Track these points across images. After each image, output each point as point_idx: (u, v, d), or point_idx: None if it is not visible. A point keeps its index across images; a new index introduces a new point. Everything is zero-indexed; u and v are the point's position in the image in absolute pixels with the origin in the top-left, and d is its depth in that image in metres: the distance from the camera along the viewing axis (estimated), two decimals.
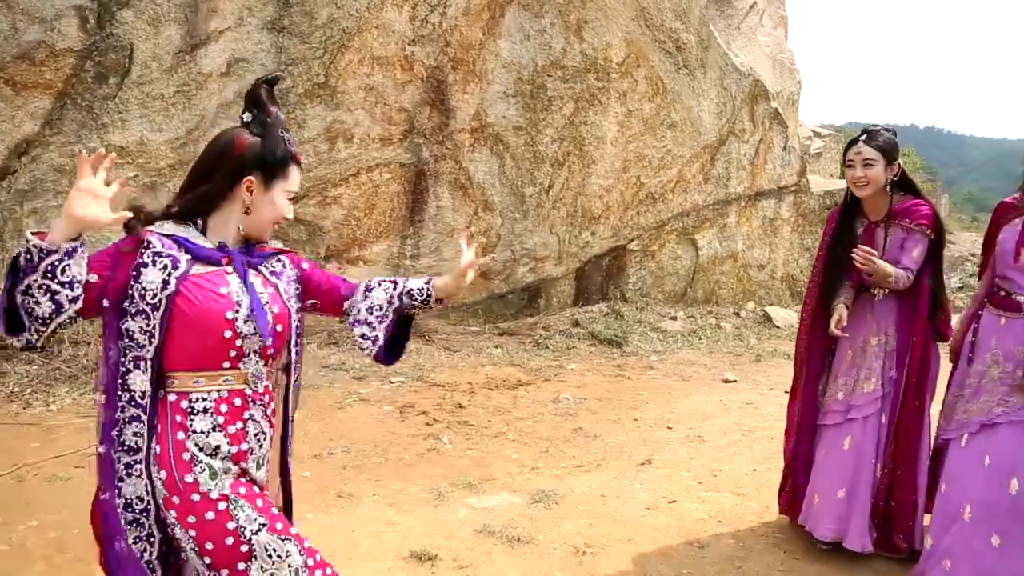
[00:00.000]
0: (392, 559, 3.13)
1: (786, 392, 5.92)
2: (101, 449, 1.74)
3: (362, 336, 2.00)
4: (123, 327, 1.69)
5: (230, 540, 1.69)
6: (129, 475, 1.72)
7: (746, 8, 9.23)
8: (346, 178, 6.52)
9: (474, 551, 3.22)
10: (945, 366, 3.27)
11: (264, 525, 1.72)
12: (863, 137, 3.06)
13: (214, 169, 1.77)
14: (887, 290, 3.16)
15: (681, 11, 7.92)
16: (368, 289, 2.05)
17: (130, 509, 1.72)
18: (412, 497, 3.75)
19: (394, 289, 2.04)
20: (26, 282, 1.53)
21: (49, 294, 1.55)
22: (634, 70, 7.77)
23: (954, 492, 2.88)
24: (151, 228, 1.74)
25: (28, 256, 1.53)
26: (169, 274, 1.69)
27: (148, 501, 1.72)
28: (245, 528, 1.70)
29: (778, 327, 8.28)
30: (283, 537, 1.72)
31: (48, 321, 1.57)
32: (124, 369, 1.70)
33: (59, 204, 5.57)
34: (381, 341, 2.01)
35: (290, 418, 2.00)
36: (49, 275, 1.54)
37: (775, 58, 9.63)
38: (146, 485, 1.71)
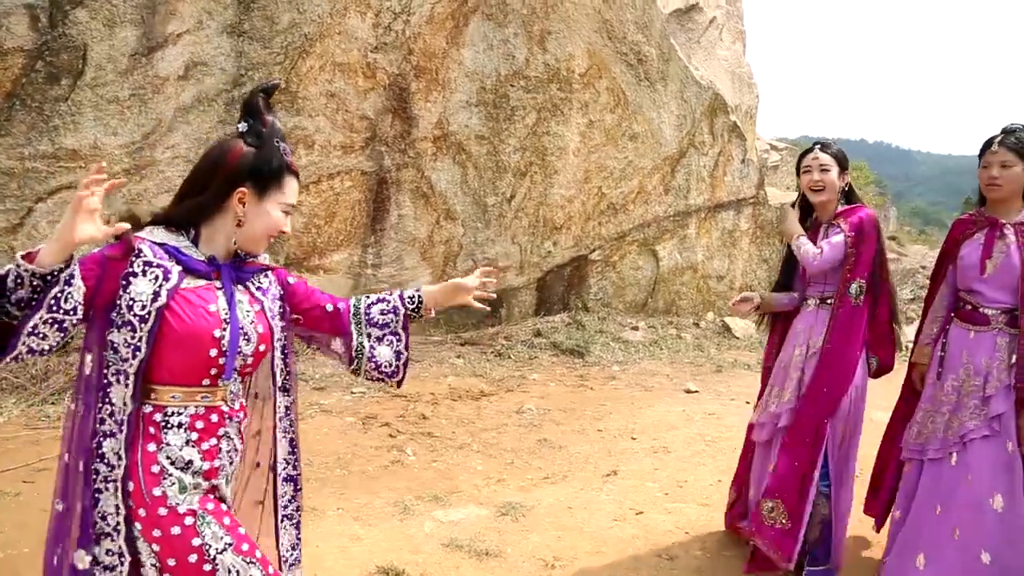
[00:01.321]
0: (359, 574, 3.06)
1: (747, 403, 6.01)
2: (69, 460, 1.66)
3: (387, 362, 2.00)
4: (108, 338, 1.63)
5: (194, 557, 1.63)
6: (105, 489, 1.64)
7: (706, 23, 9.37)
8: (306, 185, 6.42)
9: (442, 566, 3.18)
10: (895, 382, 3.30)
11: (230, 545, 1.67)
12: (818, 146, 3.17)
13: (208, 179, 1.71)
14: (819, 300, 3.17)
15: (643, 24, 8.00)
16: (361, 312, 2.00)
17: (104, 522, 1.65)
18: (377, 511, 3.68)
19: (390, 306, 2.02)
20: (32, 321, 1.49)
21: (56, 325, 1.52)
22: (596, 81, 7.82)
23: (946, 514, 2.85)
24: (141, 235, 1.68)
25: (19, 280, 1.48)
26: (160, 286, 1.63)
27: (119, 520, 1.64)
28: (211, 546, 1.64)
29: (737, 338, 8.39)
30: (248, 559, 1.68)
31: (55, 348, 1.55)
32: (106, 382, 1.64)
33: (7, 208, 5.38)
34: (405, 356, 2.03)
35: (292, 435, 1.95)
36: (54, 308, 1.50)
37: (734, 72, 9.80)
38: (117, 503, 1.64)
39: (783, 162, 11.41)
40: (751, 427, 3.42)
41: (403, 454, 4.46)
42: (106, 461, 1.64)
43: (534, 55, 7.35)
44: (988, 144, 2.90)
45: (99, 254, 1.64)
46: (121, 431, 1.64)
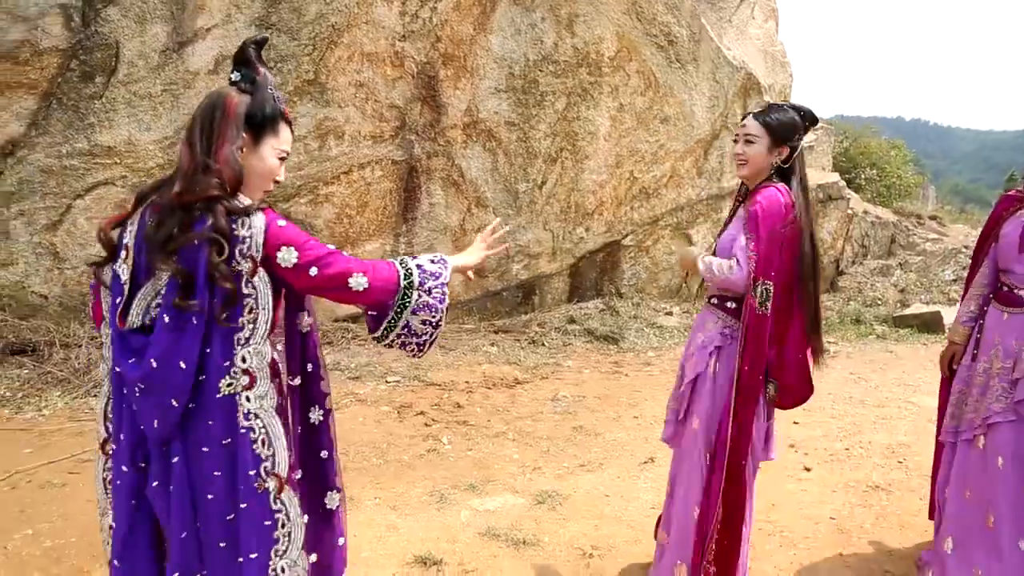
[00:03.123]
0: (396, 564, 3.07)
1: None
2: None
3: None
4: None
5: None
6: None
7: (737, 1, 9.20)
8: (338, 176, 6.44)
9: (479, 555, 3.17)
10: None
11: None
12: (750, 114, 2.58)
13: (215, 127, 1.69)
14: (707, 298, 2.70)
15: (672, 4, 7.87)
16: None
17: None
18: (414, 500, 3.69)
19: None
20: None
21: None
22: (626, 64, 7.72)
23: (975, 497, 2.82)
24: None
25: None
26: None
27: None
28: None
29: None
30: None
31: None
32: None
33: (46, 206, 5.48)
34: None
35: None
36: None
37: (766, 51, 9.61)
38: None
39: (818, 142, 11.17)
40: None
41: (439, 443, 4.47)
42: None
43: (563, 39, 7.28)
44: None
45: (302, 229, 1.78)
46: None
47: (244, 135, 1.72)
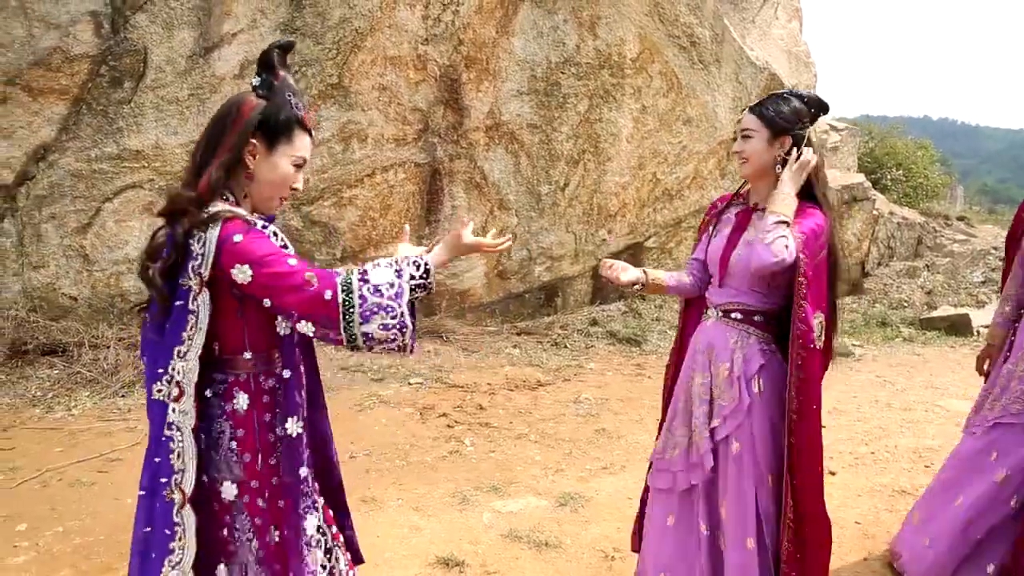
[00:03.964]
0: (419, 565, 3.09)
1: None
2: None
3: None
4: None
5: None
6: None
7: (760, 1, 9.14)
8: (361, 179, 6.49)
9: (501, 557, 3.19)
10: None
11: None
12: (748, 108, 2.37)
13: (221, 135, 1.70)
14: (722, 312, 2.41)
15: (695, 5, 7.84)
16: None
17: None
18: (436, 501, 3.71)
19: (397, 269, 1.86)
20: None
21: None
22: (648, 66, 7.70)
23: (953, 478, 2.92)
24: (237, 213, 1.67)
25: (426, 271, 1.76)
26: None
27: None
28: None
29: None
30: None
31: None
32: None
33: (76, 209, 5.58)
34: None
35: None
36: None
37: (790, 51, 9.54)
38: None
39: (843, 143, 11.07)
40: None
41: (461, 444, 4.49)
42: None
43: (584, 41, 7.28)
44: None
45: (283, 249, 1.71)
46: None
47: (255, 141, 1.69)
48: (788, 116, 2.27)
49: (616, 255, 7.89)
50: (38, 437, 4.29)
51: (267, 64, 1.74)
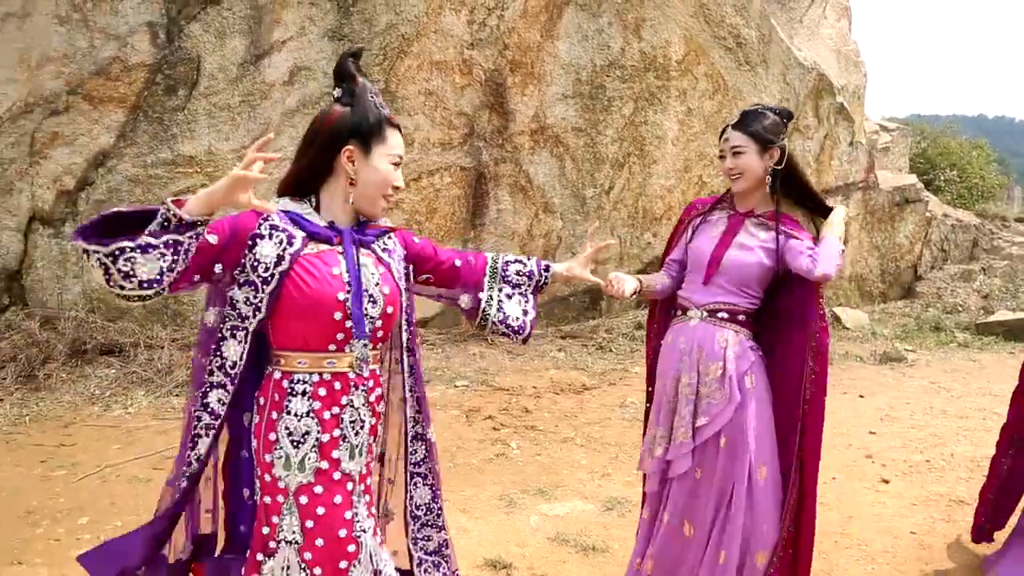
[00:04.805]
0: (467, 567, 3.10)
1: (861, 396, 5.75)
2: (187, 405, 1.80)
3: (515, 316, 2.08)
4: (229, 295, 1.70)
5: (266, 530, 1.70)
6: (205, 435, 1.74)
7: (808, 1, 9.00)
8: (407, 183, 6.55)
9: (548, 560, 3.19)
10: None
11: (295, 544, 1.68)
12: (734, 122, 2.42)
13: (314, 145, 1.75)
14: (707, 312, 2.45)
15: (741, 6, 7.76)
16: (499, 268, 2.10)
17: (200, 464, 1.76)
18: (483, 504, 3.73)
19: (526, 269, 2.13)
20: (158, 240, 1.46)
21: (173, 248, 1.48)
22: (694, 68, 7.64)
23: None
24: (269, 204, 1.73)
25: (165, 222, 1.46)
26: (284, 249, 1.68)
27: (208, 466, 1.79)
28: (282, 532, 1.69)
29: (847, 328, 8.04)
30: (303, 565, 1.68)
31: (160, 281, 1.49)
32: (220, 336, 1.71)
33: None
34: (533, 316, 2.12)
35: (418, 394, 2.01)
36: (182, 233, 1.49)
37: (839, 51, 9.37)
38: (213, 448, 1.76)
39: (894, 143, 10.82)
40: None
41: (507, 447, 4.50)
42: (210, 410, 1.72)
43: (629, 44, 7.25)
44: None
45: (231, 217, 1.70)
46: (230, 386, 1.71)
47: (352, 147, 1.73)
48: (772, 129, 2.38)
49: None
50: (97, 434, 4.42)
51: (344, 73, 1.78)
